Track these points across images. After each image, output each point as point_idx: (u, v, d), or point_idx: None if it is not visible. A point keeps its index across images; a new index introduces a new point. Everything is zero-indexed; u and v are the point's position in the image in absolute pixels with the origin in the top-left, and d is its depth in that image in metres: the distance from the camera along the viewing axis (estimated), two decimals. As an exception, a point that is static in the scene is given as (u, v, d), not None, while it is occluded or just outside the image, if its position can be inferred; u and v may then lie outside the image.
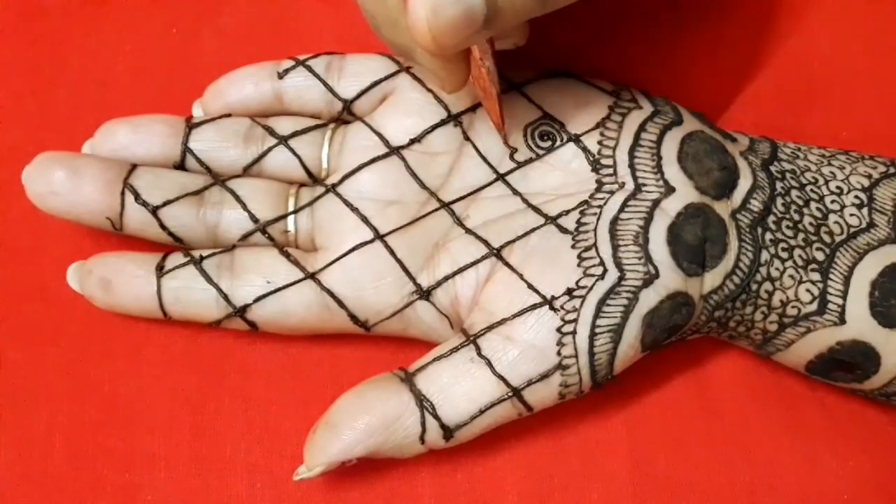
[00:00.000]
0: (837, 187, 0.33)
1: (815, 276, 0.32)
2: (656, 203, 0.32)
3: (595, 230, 0.32)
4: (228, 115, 0.35)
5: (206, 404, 0.35)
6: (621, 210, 0.32)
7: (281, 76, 0.34)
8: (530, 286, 0.31)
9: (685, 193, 0.32)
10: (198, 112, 0.35)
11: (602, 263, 0.31)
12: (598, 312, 0.31)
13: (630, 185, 0.32)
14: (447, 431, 0.31)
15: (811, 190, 0.33)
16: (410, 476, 0.34)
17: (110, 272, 0.33)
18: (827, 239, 0.32)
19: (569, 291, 0.31)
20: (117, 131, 0.34)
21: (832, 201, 0.33)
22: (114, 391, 0.35)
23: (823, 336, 0.32)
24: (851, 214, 0.33)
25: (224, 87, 0.35)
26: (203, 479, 0.34)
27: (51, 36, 0.39)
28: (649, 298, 0.31)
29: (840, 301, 0.31)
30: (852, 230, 0.32)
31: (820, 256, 0.32)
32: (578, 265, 0.31)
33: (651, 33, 0.40)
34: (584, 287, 0.31)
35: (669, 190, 0.32)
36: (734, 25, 0.40)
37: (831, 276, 0.32)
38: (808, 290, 0.32)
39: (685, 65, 0.39)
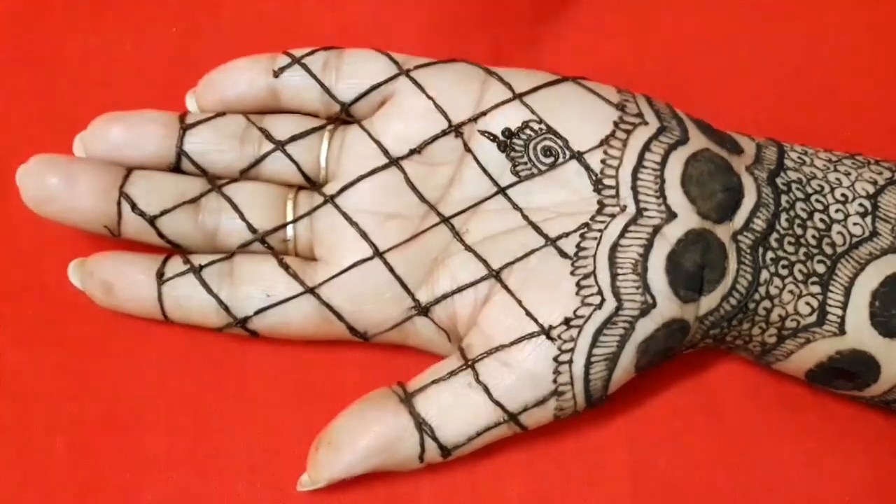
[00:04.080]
0: (843, 195, 0.33)
1: (815, 289, 0.31)
2: (657, 229, 0.31)
3: (594, 256, 0.31)
4: (223, 114, 0.34)
5: (206, 404, 0.35)
6: (622, 236, 0.31)
7: (276, 74, 0.34)
8: (529, 314, 0.31)
9: (686, 219, 0.31)
10: (191, 103, 0.35)
11: (600, 292, 0.31)
12: (594, 342, 0.31)
13: (631, 209, 0.32)
14: (445, 451, 0.32)
15: (816, 200, 0.32)
16: (411, 477, 0.34)
17: (111, 275, 0.33)
18: (828, 251, 0.32)
19: (566, 321, 0.31)
20: (110, 131, 0.33)
21: (836, 210, 0.32)
22: (114, 391, 0.35)
23: (823, 346, 0.32)
24: (855, 224, 0.32)
25: (218, 82, 0.34)
26: (203, 479, 0.34)
27: (51, 35, 0.39)
28: (646, 327, 0.31)
29: (840, 312, 0.31)
30: (854, 240, 0.32)
31: (821, 269, 0.32)
32: (577, 293, 0.31)
33: (653, 31, 0.39)
34: (581, 317, 0.31)
35: (671, 216, 0.31)
36: (737, 22, 0.39)
37: (831, 287, 0.31)
38: (807, 304, 0.32)
39: (689, 62, 0.39)
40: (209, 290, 0.32)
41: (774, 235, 0.32)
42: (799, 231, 0.32)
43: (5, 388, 0.35)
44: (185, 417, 0.35)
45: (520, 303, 0.32)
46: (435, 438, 0.31)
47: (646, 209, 0.32)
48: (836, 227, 0.32)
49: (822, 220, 0.32)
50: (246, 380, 0.35)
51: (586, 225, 0.32)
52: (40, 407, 0.35)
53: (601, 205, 0.32)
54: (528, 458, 0.35)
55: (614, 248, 0.31)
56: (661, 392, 0.35)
